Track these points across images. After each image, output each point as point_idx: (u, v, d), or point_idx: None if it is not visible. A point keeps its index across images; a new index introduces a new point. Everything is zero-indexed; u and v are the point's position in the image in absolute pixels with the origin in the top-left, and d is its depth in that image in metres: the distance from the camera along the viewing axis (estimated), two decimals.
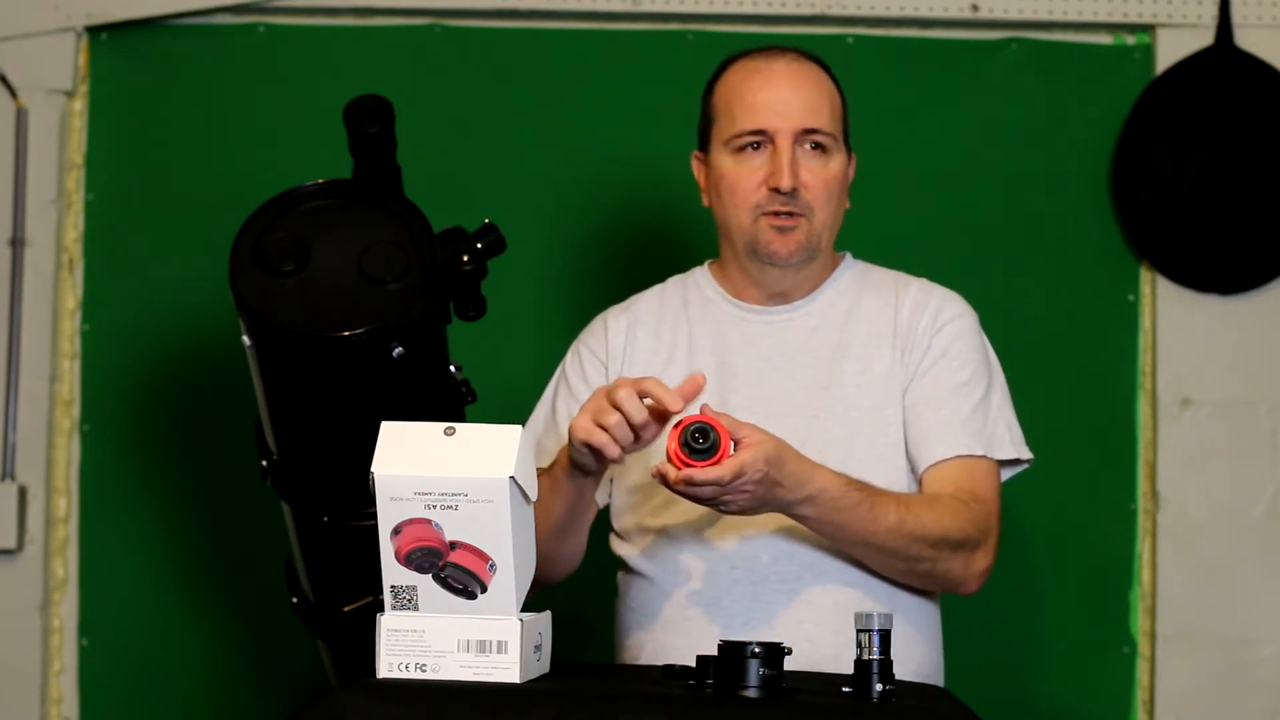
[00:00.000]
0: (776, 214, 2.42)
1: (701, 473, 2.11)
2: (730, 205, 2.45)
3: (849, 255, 2.57)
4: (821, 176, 2.43)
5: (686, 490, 2.13)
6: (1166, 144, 3.38)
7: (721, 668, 1.91)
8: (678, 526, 2.42)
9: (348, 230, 2.42)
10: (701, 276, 2.57)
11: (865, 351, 2.46)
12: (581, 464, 2.29)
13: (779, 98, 2.43)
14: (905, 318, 2.47)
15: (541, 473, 2.37)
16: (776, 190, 2.40)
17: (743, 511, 2.19)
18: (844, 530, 2.28)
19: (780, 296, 2.50)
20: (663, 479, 2.14)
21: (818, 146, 2.43)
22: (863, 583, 2.37)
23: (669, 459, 2.13)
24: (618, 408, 2.20)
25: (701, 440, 2.12)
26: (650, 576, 2.43)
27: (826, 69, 2.50)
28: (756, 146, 2.43)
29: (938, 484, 2.38)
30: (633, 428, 2.20)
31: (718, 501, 2.16)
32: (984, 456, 2.42)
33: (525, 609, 1.99)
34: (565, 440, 2.47)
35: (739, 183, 2.44)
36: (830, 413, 2.42)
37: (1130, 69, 3.43)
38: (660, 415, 2.21)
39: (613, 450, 2.20)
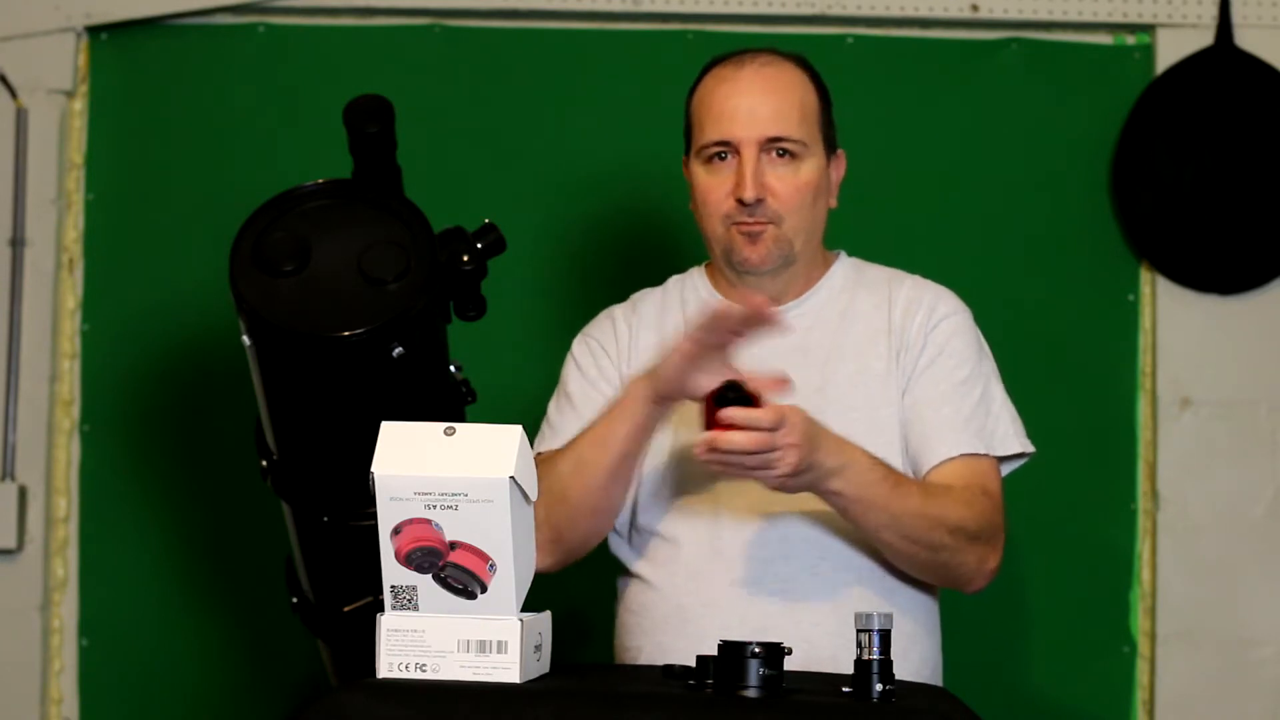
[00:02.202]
0: (744, 222, 2.42)
1: (745, 413, 2.10)
2: (704, 215, 2.46)
3: (843, 254, 2.56)
4: (791, 183, 2.42)
5: (734, 447, 2.11)
6: (1166, 144, 3.38)
7: (721, 668, 1.91)
8: (677, 529, 2.41)
9: (348, 230, 2.43)
10: (698, 278, 2.57)
11: (861, 351, 2.45)
12: (666, 390, 2.29)
13: (744, 106, 2.41)
14: (899, 316, 2.46)
15: (600, 419, 2.38)
16: (741, 201, 2.41)
17: (792, 475, 2.16)
18: (871, 510, 2.27)
19: (771, 299, 2.49)
20: (707, 449, 2.12)
21: (785, 154, 2.42)
22: (861, 584, 2.36)
23: (708, 426, 2.14)
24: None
25: (734, 393, 2.13)
26: (649, 579, 2.43)
27: (805, 67, 2.48)
28: (724, 157, 2.42)
29: (946, 480, 2.38)
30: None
31: (764, 463, 2.14)
32: (987, 455, 2.42)
33: (527, 606, 1.99)
34: (583, 417, 2.47)
35: (709, 193, 2.44)
36: (826, 413, 2.40)
37: (1130, 69, 3.43)
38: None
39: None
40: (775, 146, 2.41)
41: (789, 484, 2.19)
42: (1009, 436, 2.44)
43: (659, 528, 2.43)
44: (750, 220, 2.41)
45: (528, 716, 1.83)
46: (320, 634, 2.76)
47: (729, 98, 2.42)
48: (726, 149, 2.42)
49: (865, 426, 2.41)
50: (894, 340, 2.45)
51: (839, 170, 2.51)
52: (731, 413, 2.11)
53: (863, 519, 2.29)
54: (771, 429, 2.12)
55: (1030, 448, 2.46)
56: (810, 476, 2.20)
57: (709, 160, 2.44)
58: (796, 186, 2.42)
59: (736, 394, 2.14)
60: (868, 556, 2.38)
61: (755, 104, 2.41)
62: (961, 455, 2.39)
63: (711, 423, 2.15)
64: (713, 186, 2.43)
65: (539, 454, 2.42)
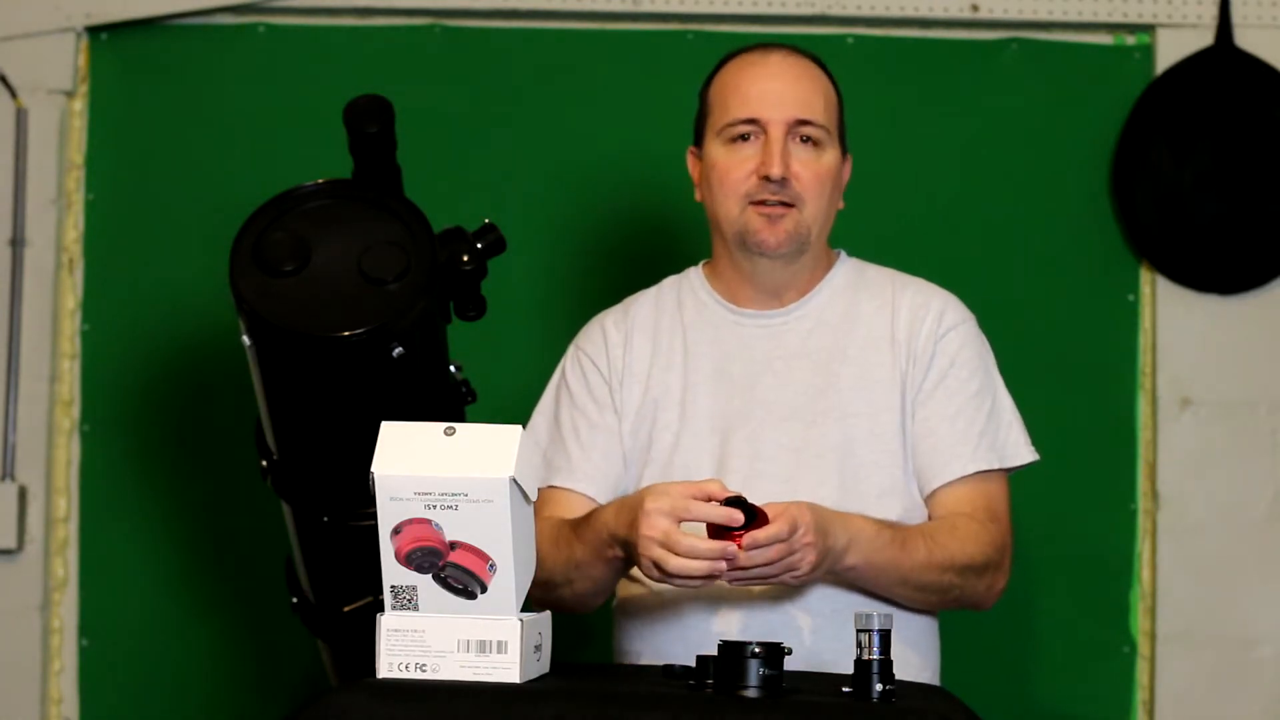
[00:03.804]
0: (765, 202, 2.41)
1: (763, 532, 2.10)
2: (720, 195, 2.44)
3: (844, 254, 2.56)
4: (813, 169, 2.42)
5: (754, 560, 2.11)
6: (1166, 144, 3.38)
7: (721, 668, 1.91)
8: None
9: (348, 230, 2.43)
10: (696, 278, 2.56)
11: (863, 355, 2.44)
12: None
13: (773, 88, 2.42)
14: (905, 323, 2.45)
15: (586, 542, 2.32)
16: (767, 179, 2.40)
17: (813, 570, 2.17)
18: (884, 573, 2.29)
19: (773, 295, 2.49)
20: (732, 571, 2.12)
21: (810, 139, 2.42)
22: (863, 590, 2.36)
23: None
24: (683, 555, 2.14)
25: (739, 509, 2.11)
26: (649, 583, 2.42)
27: (823, 67, 2.50)
28: (748, 137, 2.42)
29: (954, 504, 2.38)
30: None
31: (788, 566, 2.15)
32: (997, 470, 2.42)
33: (527, 606, 1.99)
34: (571, 454, 2.46)
35: (729, 171, 2.43)
36: (827, 418, 2.41)
37: (1130, 69, 3.43)
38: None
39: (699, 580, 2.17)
40: (801, 131, 2.42)
41: (811, 578, 2.21)
42: (1020, 446, 2.44)
43: None
44: (773, 199, 2.40)
45: (528, 717, 1.83)
46: (320, 634, 2.76)
47: (757, 80, 2.43)
48: (753, 128, 2.42)
49: (866, 432, 2.40)
50: (899, 348, 2.44)
51: (846, 173, 2.52)
52: (754, 535, 2.10)
53: (876, 583, 2.31)
54: (788, 539, 2.13)
55: (1037, 455, 2.46)
56: (828, 563, 2.21)
57: (731, 140, 2.43)
58: (818, 173, 2.43)
59: (742, 509, 2.12)
60: None
61: (784, 86, 2.43)
62: (972, 474, 2.39)
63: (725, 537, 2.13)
64: (734, 165, 2.43)
65: None
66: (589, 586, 2.36)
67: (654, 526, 2.14)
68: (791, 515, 2.13)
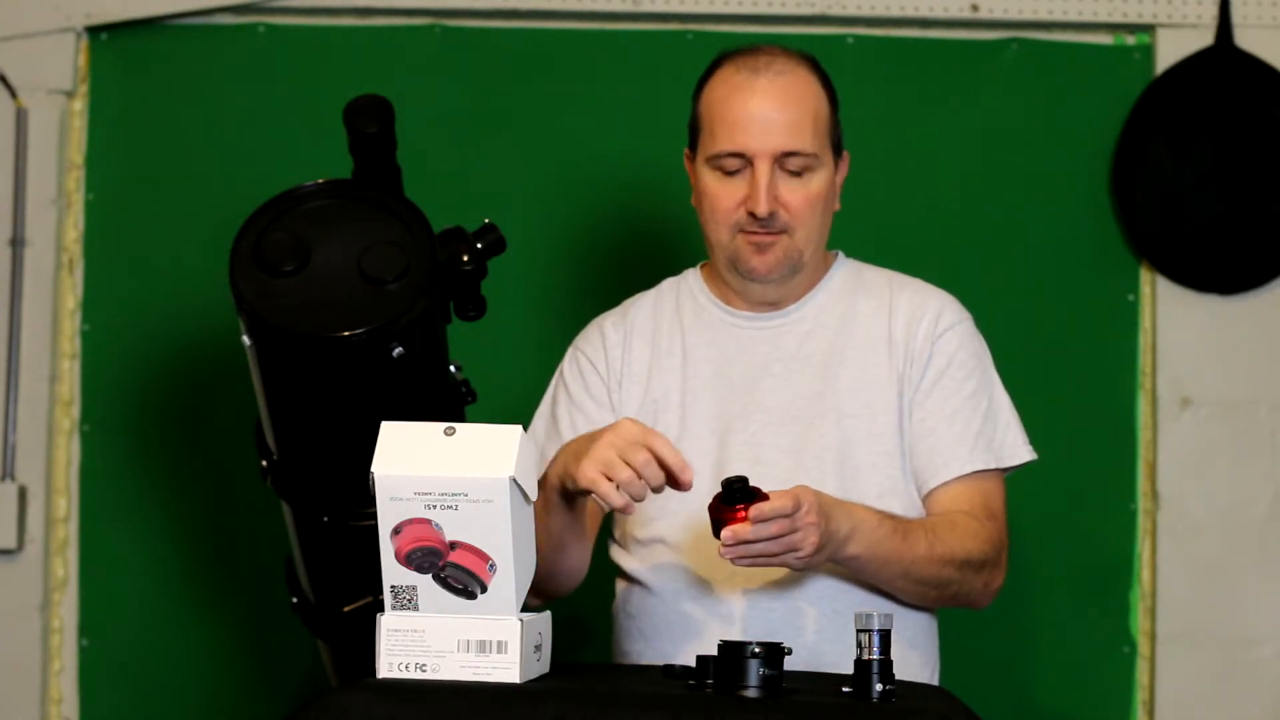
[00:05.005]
0: (755, 231, 2.41)
1: (768, 505, 2.09)
2: (710, 221, 2.44)
3: (841, 254, 2.55)
4: (802, 196, 2.40)
5: (761, 535, 2.10)
6: (1166, 144, 3.38)
7: (721, 668, 1.91)
8: (680, 535, 2.41)
9: (348, 230, 2.43)
10: (694, 281, 2.55)
11: (860, 357, 2.44)
12: (572, 492, 2.25)
13: (760, 117, 2.38)
14: (902, 324, 2.45)
15: (542, 489, 2.34)
16: (753, 215, 2.39)
17: (816, 552, 2.16)
18: (886, 564, 2.28)
19: (772, 304, 2.49)
20: (734, 544, 2.10)
21: (798, 168, 2.40)
22: (861, 589, 2.36)
23: (722, 523, 2.11)
24: (632, 468, 2.13)
25: (741, 484, 2.10)
26: (648, 584, 2.42)
27: (816, 69, 2.46)
28: (735, 170, 2.40)
29: (951, 503, 2.38)
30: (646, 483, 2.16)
31: (789, 545, 2.13)
32: (994, 469, 2.42)
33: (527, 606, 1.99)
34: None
35: (718, 201, 2.42)
36: (825, 419, 2.41)
37: (1130, 69, 3.43)
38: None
39: (618, 501, 2.15)
40: (788, 160, 2.39)
41: (813, 560, 2.19)
42: (1018, 446, 2.44)
43: (662, 535, 2.42)
44: (761, 231, 2.40)
45: (528, 717, 1.83)
46: (320, 634, 2.76)
47: (743, 108, 2.39)
48: (739, 162, 2.40)
49: (864, 433, 2.40)
50: (896, 349, 2.44)
51: (843, 172, 2.50)
52: (760, 508, 2.09)
53: (877, 575, 2.31)
54: (792, 514, 2.12)
55: (1035, 454, 2.46)
56: (830, 548, 2.20)
57: (719, 169, 2.42)
58: (808, 199, 2.41)
59: (742, 486, 2.11)
60: None
61: (770, 116, 2.38)
62: (969, 474, 2.39)
63: (723, 523, 2.12)
64: (722, 195, 2.41)
65: None
66: (542, 539, 2.29)
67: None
68: (795, 494, 2.12)
